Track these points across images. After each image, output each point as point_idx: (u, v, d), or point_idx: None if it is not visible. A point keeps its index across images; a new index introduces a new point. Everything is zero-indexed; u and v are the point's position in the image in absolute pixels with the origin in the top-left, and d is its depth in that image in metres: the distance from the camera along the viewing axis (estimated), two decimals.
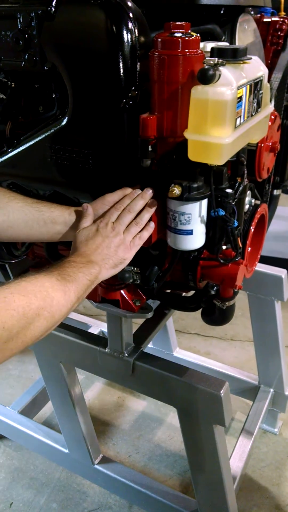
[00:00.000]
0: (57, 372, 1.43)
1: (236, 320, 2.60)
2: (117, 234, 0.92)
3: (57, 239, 1.01)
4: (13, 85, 1.09)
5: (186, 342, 2.54)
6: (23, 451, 1.94)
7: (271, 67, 1.22)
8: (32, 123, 1.10)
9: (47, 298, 0.75)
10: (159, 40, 0.84)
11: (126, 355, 1.24)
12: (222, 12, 1.20)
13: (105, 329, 2.13)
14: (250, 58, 0.91)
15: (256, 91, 0.95)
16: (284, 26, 1.42)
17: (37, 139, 1.03)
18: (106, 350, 1.26)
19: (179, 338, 2.52)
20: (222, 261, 1.01)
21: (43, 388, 1.97)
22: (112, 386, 2.25)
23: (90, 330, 2.16)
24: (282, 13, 1.52)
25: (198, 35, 0.85)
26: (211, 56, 0.87)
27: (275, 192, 1.47)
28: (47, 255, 1.26)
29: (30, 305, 0.72)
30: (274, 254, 2.82)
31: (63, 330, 1.34)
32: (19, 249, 1.36)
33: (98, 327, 2.20)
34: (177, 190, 0.89)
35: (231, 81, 0.82)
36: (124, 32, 0.86)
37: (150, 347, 2.13)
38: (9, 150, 1.09)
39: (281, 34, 1.42)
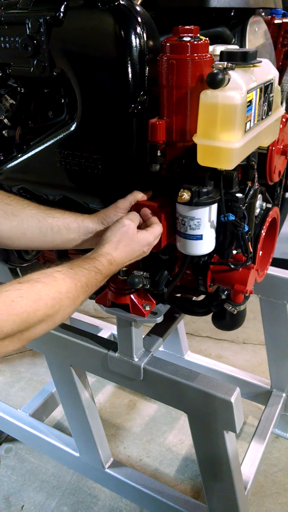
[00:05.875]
0: (68, 376, 1.43)
1: (248, 323, 2.58)
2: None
3: (71, 246, 1.01)
4: (22, 91, 1.10)
5: (197, 345, 2.52)
6: (34, 454, 1.95)
7: (282, 69, 1.21)
8: (41, 128, 1.10)
9: (56, 305, 0.75)
10: (168, 44, 0.83)
11: (136, 359, 1.24)
12: (232, 14, 1.19)
13: (116, 332, 2.13)
14: (260, 61, 0.90)
15: (266, 94, 0.94)
16: None
17: (46, 145, 1.03)
18: (116, 355, 1.26)
19: (190, 341, 2.51)
20: (232, 266, 1.00)
21: (54, 391, 1.97)
22: (123, 389, 2.25)
23: (101, 333, 2.15)
24: None
25: (207, 38, 0.85)
26: (220, 60, 0.86)
27: (287, 195, 1.45)
28: (57, 259, 1.26)
29: (37, 312, 0.72)
30: (287, 256, 2.80)
31: (74, 334, 1.34)
32: (30, 253, 1.36)
33: (109, 330, 2.19)
34: (186, 195, 0.88)
35: (241, 85, 0.81)
36: (133, 36, 0.85)
37: (161, 350, 2.12)
38: (19, 156, 1.09)
39: None
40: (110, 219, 0.97)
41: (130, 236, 0.90)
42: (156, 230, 0.94)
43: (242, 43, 1.20)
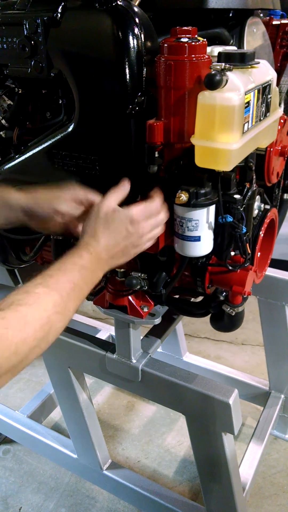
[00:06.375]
0: (66, 377, 1.43)
1: (247, 324, 2.58)
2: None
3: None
4: (20, 91, 1.09)
5: (196, 346, 2.52)
6: (32, 456, 1.94)
7: (280, 70, 1.21)
8: (39, 129, 1.10)
9: (45, 326, 0.70)
10: (165, 45, 0.83)
11: (134, 361, 1.24)
12: (230, 15, 1.19)
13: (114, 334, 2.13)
14: (258, 62, 0.90)
15: (264, 96, 0.93)
16: None
17: (44, 145, 1.03)
18: (114, 356, 1.25)
19: (189, 342, 2.51)
20: (230, 267, 1.00)
21: (52, 392, 1.96)
22: (121, 390, 2.24)
23: (99, 334, 2.15)
24: None
25: (205, 39, 0.84)
26: (218, 61, 0.86)
27: (286, 196, 1.45)
28: (55, 259, 1.25)
29: (26, 340, 0.67)
30: (286, 257, 2.79)
31: (72, 335, 1.33)
32: (28, 254, 1.36)
33: (107, 331, 2.19)
34: (184, 197, 0.88)
35: (239, 86, 0.81)
36: (130, 37, 0.85)
37: (159, 351, 2.12)
38: (17, 157, 1.09)
39: None
40: (47, 202, 0.93)
41: (104, 218, 0.86)
42: (139, 205, 0.88)
43: (240, 44, 1.20)
